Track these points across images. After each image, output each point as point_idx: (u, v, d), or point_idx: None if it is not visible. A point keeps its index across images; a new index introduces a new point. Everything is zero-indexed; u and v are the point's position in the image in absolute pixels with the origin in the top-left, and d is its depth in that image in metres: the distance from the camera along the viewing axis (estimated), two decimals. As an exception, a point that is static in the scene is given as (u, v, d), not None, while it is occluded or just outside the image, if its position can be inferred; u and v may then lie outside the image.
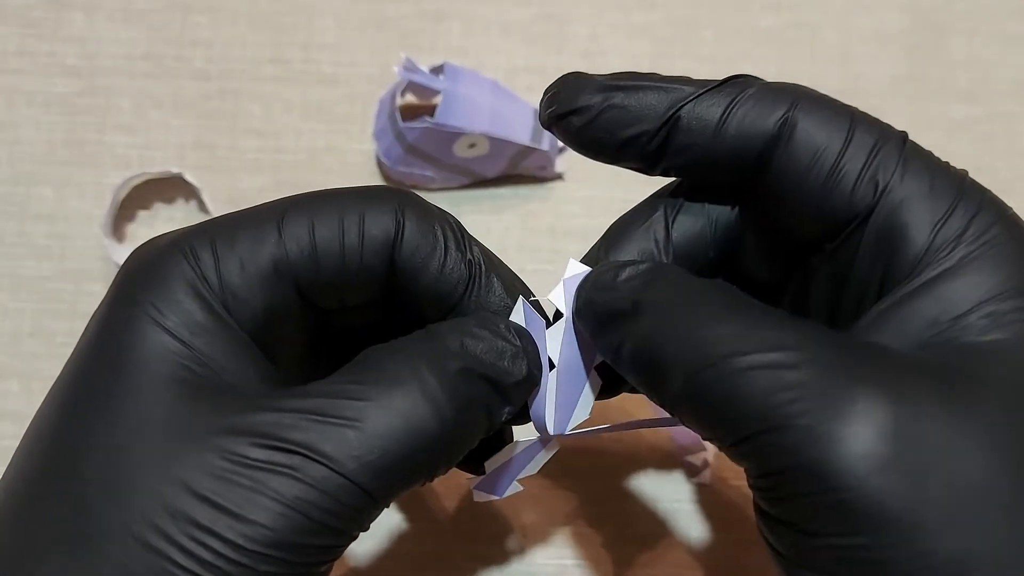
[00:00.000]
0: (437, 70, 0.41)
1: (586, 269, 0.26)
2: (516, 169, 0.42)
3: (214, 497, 0.21)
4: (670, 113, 0.25)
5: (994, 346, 0.22)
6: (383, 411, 0.22)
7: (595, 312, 0.24)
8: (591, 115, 0.26)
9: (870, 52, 0.45)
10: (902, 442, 0.20)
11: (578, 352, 0.26)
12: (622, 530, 0.37)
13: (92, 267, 0.41)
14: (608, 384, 0.28)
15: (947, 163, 0.24)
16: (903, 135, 0.24)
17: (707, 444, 0.37)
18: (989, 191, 0.24)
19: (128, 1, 0.45)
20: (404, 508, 0.37)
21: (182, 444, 0.22)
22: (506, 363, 0.24)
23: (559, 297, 0.26)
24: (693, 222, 0.27)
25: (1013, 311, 0.22)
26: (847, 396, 0.20)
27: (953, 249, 0.23)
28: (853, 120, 0.24)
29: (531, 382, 0.25)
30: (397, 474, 0.22)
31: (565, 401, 0.27)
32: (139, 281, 0.24)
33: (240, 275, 0.24)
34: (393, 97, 0.41)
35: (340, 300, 0.26)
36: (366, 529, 0.23)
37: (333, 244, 0.25)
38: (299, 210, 0.25)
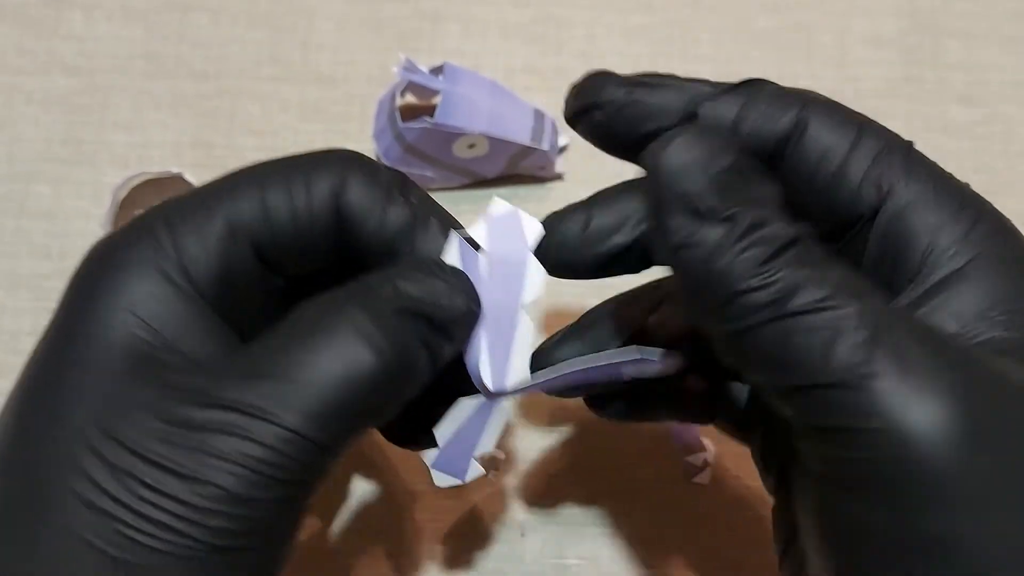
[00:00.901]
0: (437, 70, 0.41)
1: (513, 209, 0.26)
2: (515, 169, 0.42)
3: (159, 459, 0.22)
4: (689, 111, 0.25)
5: (1016, 344, 0.22)
6: (318, 359, 0.22)
7: (680, 194, 0.22)
8: (613, 109, 0.27)
9: (867, 54, 0.45)
10: (981, 421, 0.20)
11: (505, 294, 0.26)
12: (622, 530, 0.37)
13: (90, 266, 0.41)
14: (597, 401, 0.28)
15: (950, 173, 0.25)
16: (909, 143, 0.25)
17: (707, 444, 0.38)
18: (988, 202, 0.25)
19: (127, 0, 0.45)
20: (403, 507, 0.37)
21: (126, 409, 0.22)
22: (442, 299, 0.25)
23: (481, 235, 0.26)
24: None
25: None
26: (930, 365, 0.20)
27: (958, 252, 0.23)
28: (861, 126, 0.25)
29: (470, 317, 0.25)
30: (340, 420, 0.23)
31: (498, 350, 0.26)
32: (96, 263, 0.25)
33: (195, 242, 0.24)
34: (393, 97, 0.41)
35: (297, 262, 0.26)
36: (322, 477, 0.23)
37: (282, 200, 0.25)
38: (249, 175, 0.26)
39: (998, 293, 0.23)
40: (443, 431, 0.27)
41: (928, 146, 0.43)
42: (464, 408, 0.27)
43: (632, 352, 0.27)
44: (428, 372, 0.25)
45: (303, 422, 0.22)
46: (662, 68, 0.44)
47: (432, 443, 0.27)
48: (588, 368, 0.27)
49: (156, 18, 0.45)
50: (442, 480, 0.28)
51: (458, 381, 0.27)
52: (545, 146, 0.41)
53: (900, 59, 0.45)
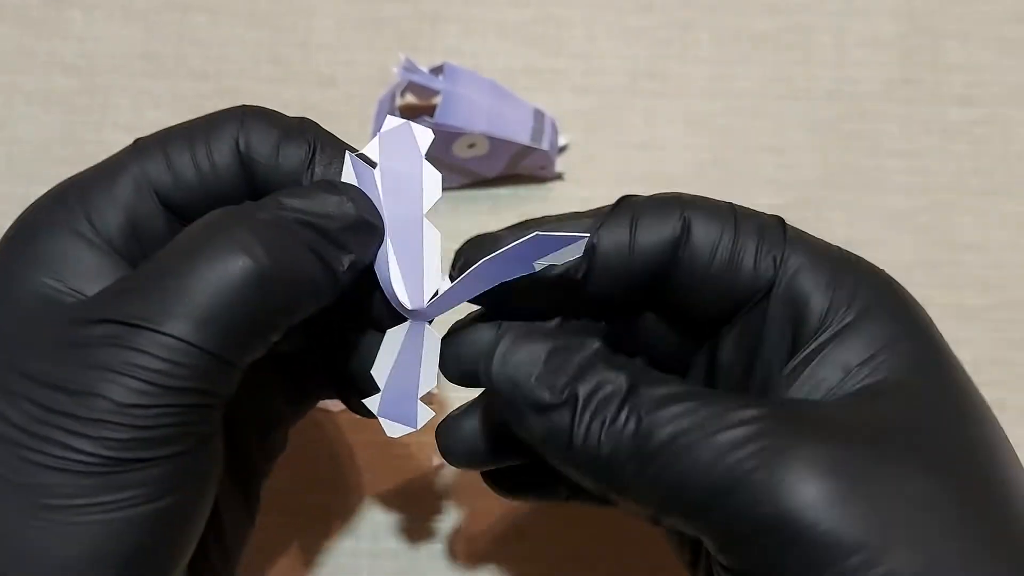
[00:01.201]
0: (436, 70, 0.41)
1: (404, 121, 0.26)
2: (515, 169, 0.42)
3: (49, 379, 0.22)
4: (592, 243, 0.26)
5: (903, 383, 0.24)
6: (192, 266, 0.23)
7: (523, 395, 0.25)
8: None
9: (865, 56, 0.45)
10: (850, 477, 0.22)
11: (406, 206, 0.26)
12: (622, 532, 0.37)
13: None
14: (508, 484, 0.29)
15: (818, 238, 0.27)
16: (779, 217, 0.27)
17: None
18: (862, 257, 0.27)
19: (127, 0, 0.45)
20: (402, 507, 0.37)
21: (27, 343, 0.23)
22: (329, 209, 0.25)
23: (374, 151, 0.26)
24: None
25: (909, 352, 0.25)
26: (793, 445, 0.22)
27: (850, 307, 0.25)
28: (734, 210, 0.26)
29: (365, 226, 0.25)
30: (223, 323, 0.23)
31: (409, 266, 0.26)
32: (13, 231, 0.26)
33: (103, 198, 0.25)
34: (393, 97, 0.41)
35: (208, 211, 0.26)
36: (228, 391, 0.24)
37: (183, 152, 0.26)
38: (152, 139, 0.27)
39: (883, 339, 0.25)
40: (379, 370, 0.27)
41: (927, 148, 0.44)
42: (393, 340, 0.27)
43: (542, 239, 0.26)
44: (327, 284, 0.25)
45: (183, 327, 0.22)
46: (661, 69, 0.45)
47: (371, 391, 0.27)
48: (503, 260, 0.26)
49: (156, 18, 0.45)
50: (393, 430, 0.27)
51: (385, 316, 0.27)
52: (545, 146, 0.41)
53: (899, 61, 0.45)
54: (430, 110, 0.40)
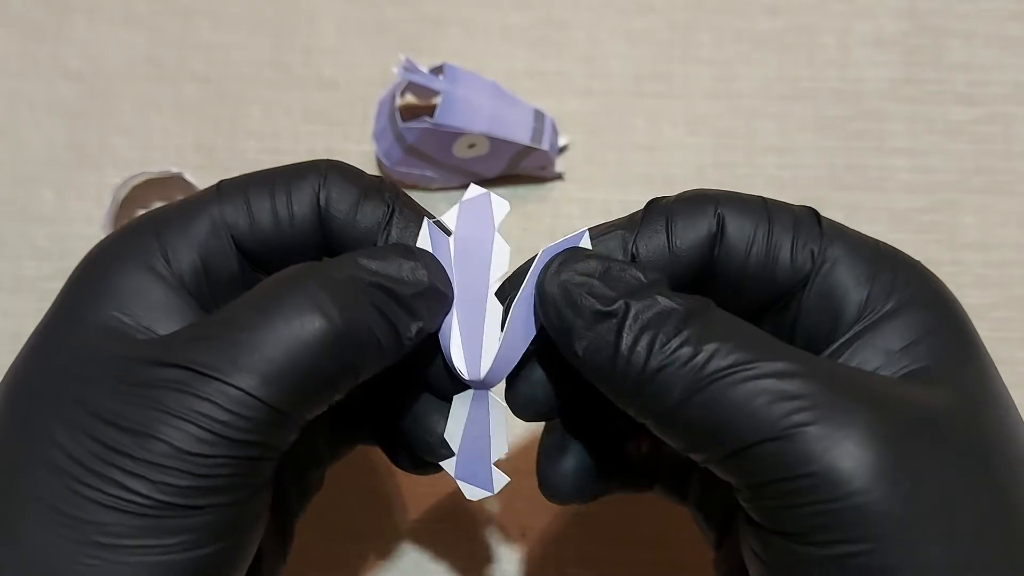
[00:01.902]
0: (437, 71, 0.41)
1: (484, 192, 0.26)
2: (516, 169, 0.42)
3: (112, 417, 0.22)
4: (632, 252, 0.26)
5: (942, 372, 0.24)
6: (266, 320, 0.23)
7: (571, 301, 0.24)
8: None
9: (869, 55, 0.45)
10: (901, 452, 0.21)
11: (474, 275, 0.26)
12: (623, 531, 0.37)
13: (93, 269, 0.41)
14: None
15: (853, 229, 0.27)
16: (812, 208, 0.27)
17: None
18: (898, 249, 0.27)
19: (129, 5, 0.46)
20: (402, 506, 0.37)
21: (92, 376, 0.23)
22: (403, 274, 0.25)
23: (452, 219, 0.26)
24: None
25: (949, 341, 0.25)
26: (847, 407, 0.22)
27: (891, 295, 0.25)
28: (767, 204, 0.26)
29: (435, 294, 0.25)
30: (290, 381, 0.23)
31: (471, 336, 0.26)
32: (87, 262, 0.26)
33: (179, 236, 0.26)
34: (393, 97, 0.41)
35: (281, 260, 0.26)
36: (284, 446, 0.24)
37: (264, 199, 0.26)
38: (234, 181, 0.27)
39: (923, 327, 0.24)
40: (451, 434, 0.27)
41: (930, 147, 0.43)
42: (461, 406, 0.27)
43: (548, 251, 0.26)
44: (392, 348, 0.25)
45: (250, 381, 0.22)
46: (664, 71, 0.45)
47: (446, 454, 0.27)
48: (530, 295, 0.26)
49: (158, 23, 0.45)
50: (471, 492, 0.28)
51: (445, 382, 0.27)
52: (545, 146, 0.41)
53: (902, 60, 0.45)
54: (430, 110, 0.40)
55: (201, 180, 0.41)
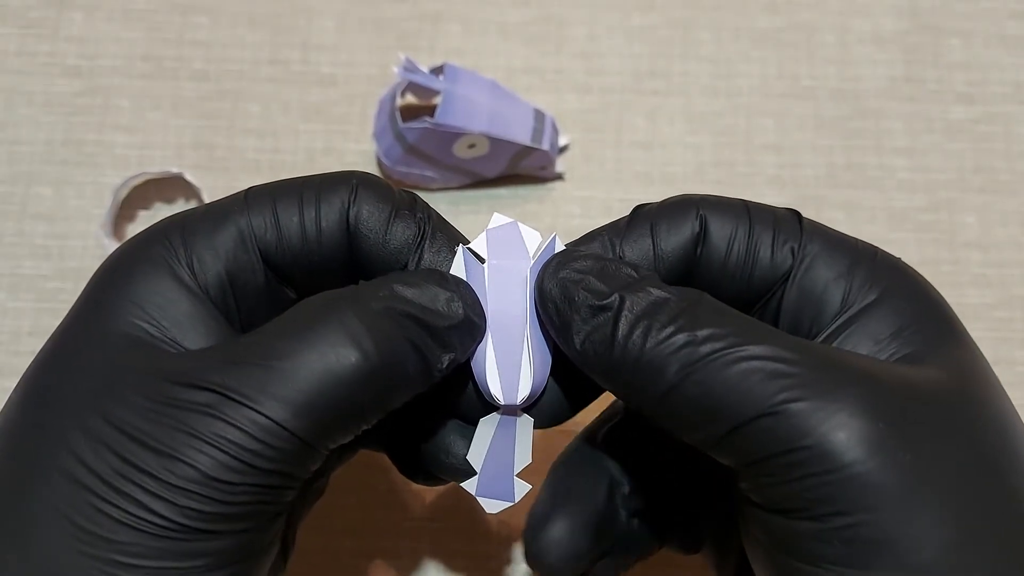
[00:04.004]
0: (437, 70, 0.41)
1: (511, 220, 0.27)
2: (516, 169, 0.42)
3: (137, 433, 0.22)
4: (619, 256, 0.26)
5: (930, 355, 0.24)
6: (301, 350, 0.23)
7: (569, 297, 0.25)
8: None
9: (868, 53, 0.45)
10: (894, 424, 0.22)
11: (509, 305, 0.26)
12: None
13: (91, 266, 0.41)
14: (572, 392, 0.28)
15: (831, 227, 0.27)
16: (794, 210, 0.27)
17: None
18: (876, 246, 0.27)
19: (128, 2, 0.45)
20: (401, 506, 0.37)
21: (116, 388, 0.23)
22: (439, 306, 0.25)
23: (481, 246, 0.26)
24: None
25: (934, 328, 0.25)
26: (839, 383, 0.22)
27: (872, 287, 0.25)
28: (748, 206, 0.27)
29: (470, 326, 0.25)
30: (321, 415, 0.23)
31: (506, 363, 0.26)
32: (111, 268, 0.25)
33: (205, 245, 0.25)
34: (393, 97, 0.41)
35: (311, 278, 0.26)
36: (306, 475, 0.24)
37: (292, 212, 0.26)
38: (262, 190, 0.26)
39: (908, 315, 0.25)
40: (475, 455, 0.27)
41: (929, 146, 0.43)
42: (487, 428, 0.27)
43: (536, 266, 0.26)
44: (422, 379, 0.24)
45: (281, 411, 0.22)
46: (663, 68, 0.45)
47: (467, 474, 0.27)
48: (536, 325, 0.27)
49: (157, 19, 0.45)
50: (491, 506, 0.28)
51: (474, 408, 0.27)
52: (545, 146, 0.41)
53: (901, 59, 0.45)
54: (430, 110, 0.40)
55: (200, 179, 0.41)
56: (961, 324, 0.26)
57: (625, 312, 0.24)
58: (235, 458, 0.22)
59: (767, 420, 0.22)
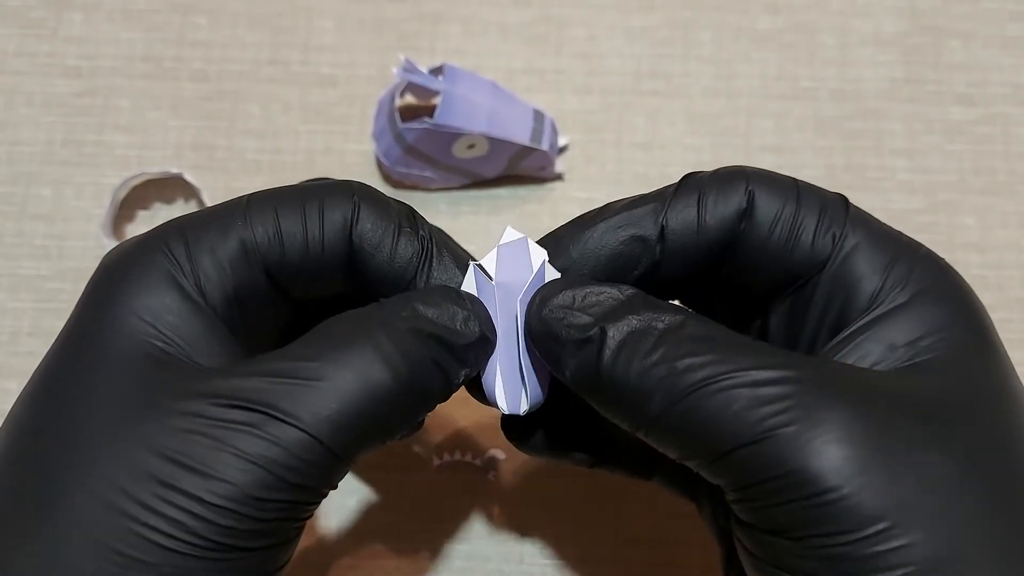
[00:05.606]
0: (436, 71, 0.41)
1: (521, 236, 0.27)
2: (515, 170, 0.42)
3: (176, 455, 0.22)
4: (661, 224, 0.27)
5: (945, 365, 0.24)
6: (338, 369, 0.23)
7: (553, 335, 0.25)
8: None
9: (868, 55, 0.45)
10: (876, 447, 0.22)
11: (509, 319, 0.27)
12: (622, 530, 0.37)
13: (90, 267, 0.40)
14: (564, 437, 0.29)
15: (881, 221, 0.27)
16: (842, 195, 0.27)
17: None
18: (921, 243, 0.27)
19: (127, 2, 0.45)
20: (400, 506, 0.37)
21: (145, 409, 0.23)
22: (458, 324, 0.25)
23: (491, 264, 0.27)
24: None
25: (958, 338, 0.25)
26: (823, 407, 0.22)
27: (905, 287, 0.25)
28: (798, 186, 0.27)
29: (484, 343, 0.26)
30: (355, 429, 0.23)
31: (511, 375, 0.27)
32: (112, 272, 0.25)
33: (210, 260, 0.25)
34: (392, 98, 0.41)
35: (308, 287, 0.27)
36: (331, 488, 0.24)
37: (296, 226, 0.26)
38: (264, 199, 0.27)
39: (933, 322, 0.25)
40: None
41: (929, 147, 0.43)
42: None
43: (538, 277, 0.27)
44: (441, 394, 0.25)
45: (321, 426, 0.23)
46: (664, 69, 0.45)
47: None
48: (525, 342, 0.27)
49: (156, 20, 0.45)
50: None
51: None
52: (545, 146, 0.41)
53: (901, 60, 0.45)
54: (430, 110, 0.40)
55: (200, 179, 0.41)
56: (995, 333, 0.26)
57: (608, 342, 0.24)
58: (274, 475, 0.22)
59: (749, 449, 0.22)
